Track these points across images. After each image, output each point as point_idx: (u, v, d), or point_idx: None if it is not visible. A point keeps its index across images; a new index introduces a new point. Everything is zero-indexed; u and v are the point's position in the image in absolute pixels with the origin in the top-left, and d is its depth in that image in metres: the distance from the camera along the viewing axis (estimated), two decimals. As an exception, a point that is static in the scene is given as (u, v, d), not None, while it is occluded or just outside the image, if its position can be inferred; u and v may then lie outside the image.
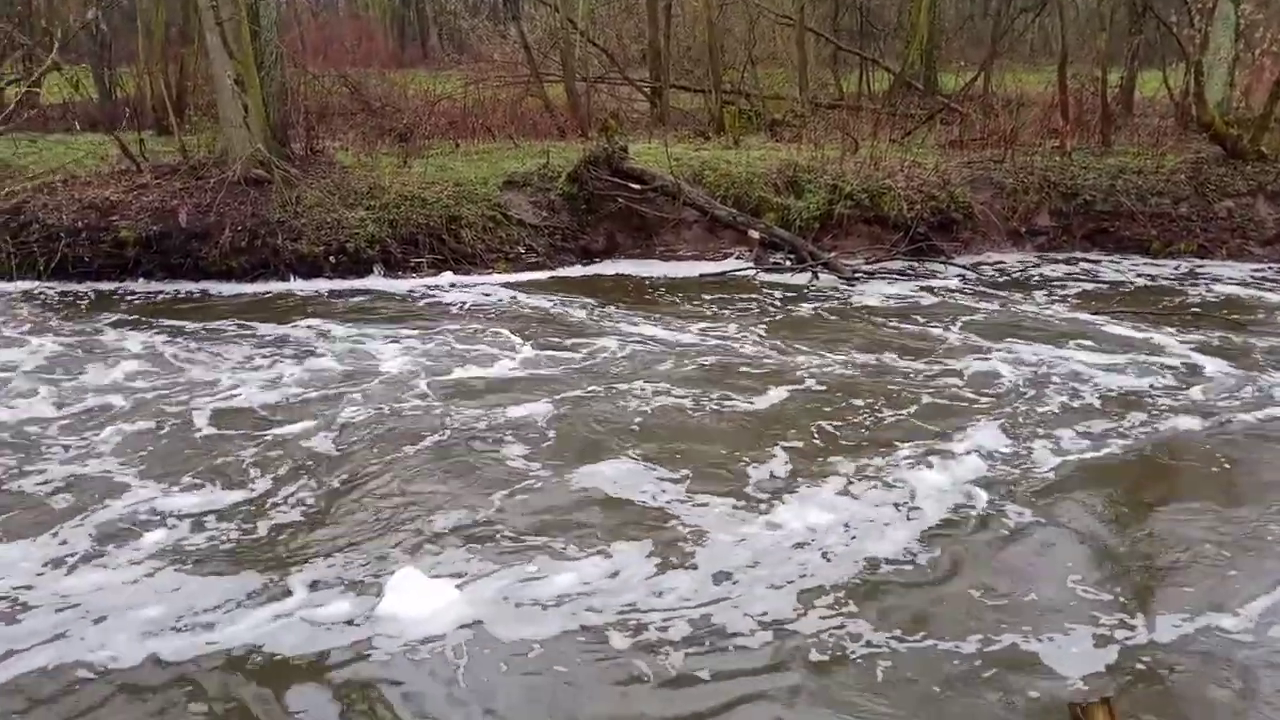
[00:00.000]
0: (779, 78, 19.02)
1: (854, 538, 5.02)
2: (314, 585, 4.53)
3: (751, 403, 7.06)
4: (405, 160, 13.17)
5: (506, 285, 11.02)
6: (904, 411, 6.85)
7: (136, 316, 9.55)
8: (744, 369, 7.87)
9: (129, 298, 10.30)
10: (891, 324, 9.33)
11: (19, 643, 4.04)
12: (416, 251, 11.51)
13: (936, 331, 9.03)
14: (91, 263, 10.73)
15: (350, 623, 4.22)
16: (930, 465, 5.90)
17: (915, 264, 11.72)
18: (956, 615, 4.32)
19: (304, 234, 11.09)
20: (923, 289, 10.76)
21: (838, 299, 10.38)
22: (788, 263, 11.61)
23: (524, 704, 3.72)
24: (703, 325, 9.26)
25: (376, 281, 11.08)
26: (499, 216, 12.00)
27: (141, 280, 10.80)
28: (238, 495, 5.51)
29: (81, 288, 10.54)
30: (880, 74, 19.28)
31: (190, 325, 9.23)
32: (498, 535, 5.03)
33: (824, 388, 7.38)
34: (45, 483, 5.64)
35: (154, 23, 13.43)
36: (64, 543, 4.93)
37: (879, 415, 6.80)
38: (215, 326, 9.20)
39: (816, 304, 10.16)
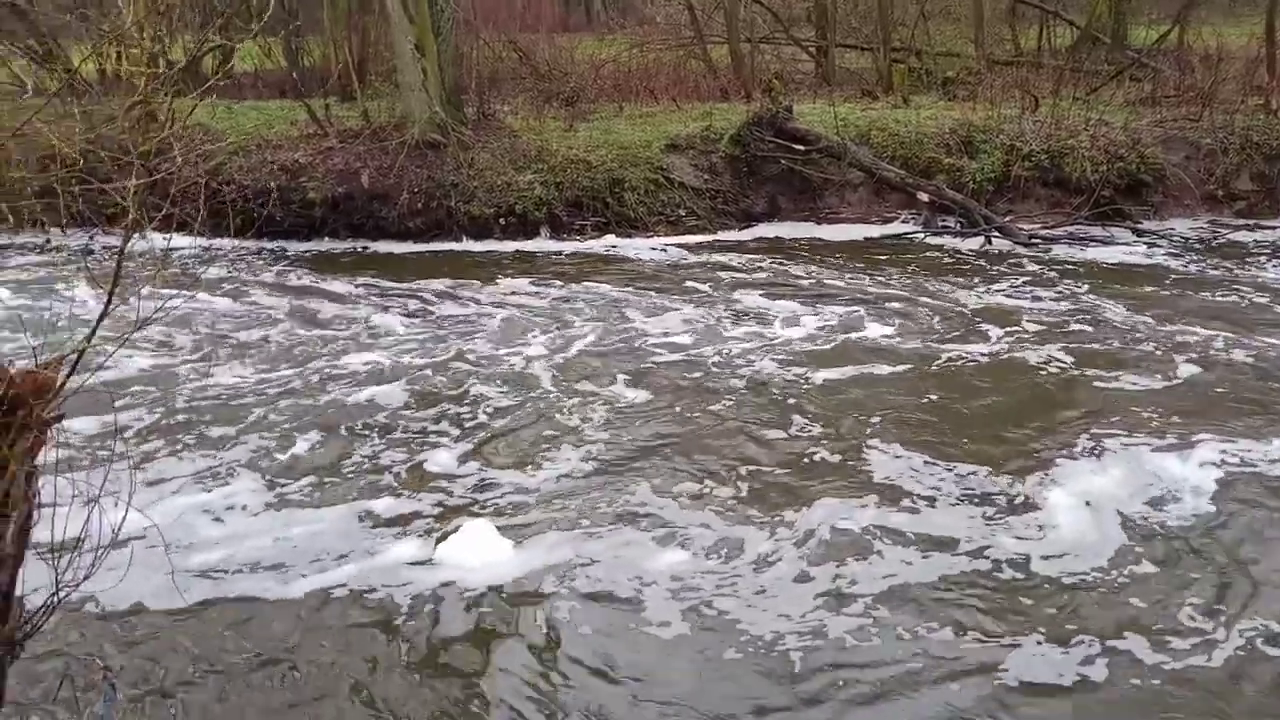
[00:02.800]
0: (951, 34, 18.22)
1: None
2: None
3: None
4: (571, 124, 13.37)
5: (683, 247, 11.10)
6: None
7: (334, 271, 10.13)
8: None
9: (322, 254, 10.94)
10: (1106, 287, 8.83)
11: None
12: (581, 214, 11.72)
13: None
14: (282, 221, 11.41)
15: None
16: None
17: (1100, 228, 11.08)
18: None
19: (476, 196, 11.47)
20: (1126, 253, 10.21)
21: (1023, 262, 9.95)
22: (959, 226, 11.20)
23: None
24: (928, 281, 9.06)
25: (543, 243, 11.35)
26: (661, 180, 12.06)
27: (327, 239, 11.43)
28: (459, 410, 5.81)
29: (273, 245, 11.24)
30: (1063, 29, 18.19)
31: (385, 281, 9.73)
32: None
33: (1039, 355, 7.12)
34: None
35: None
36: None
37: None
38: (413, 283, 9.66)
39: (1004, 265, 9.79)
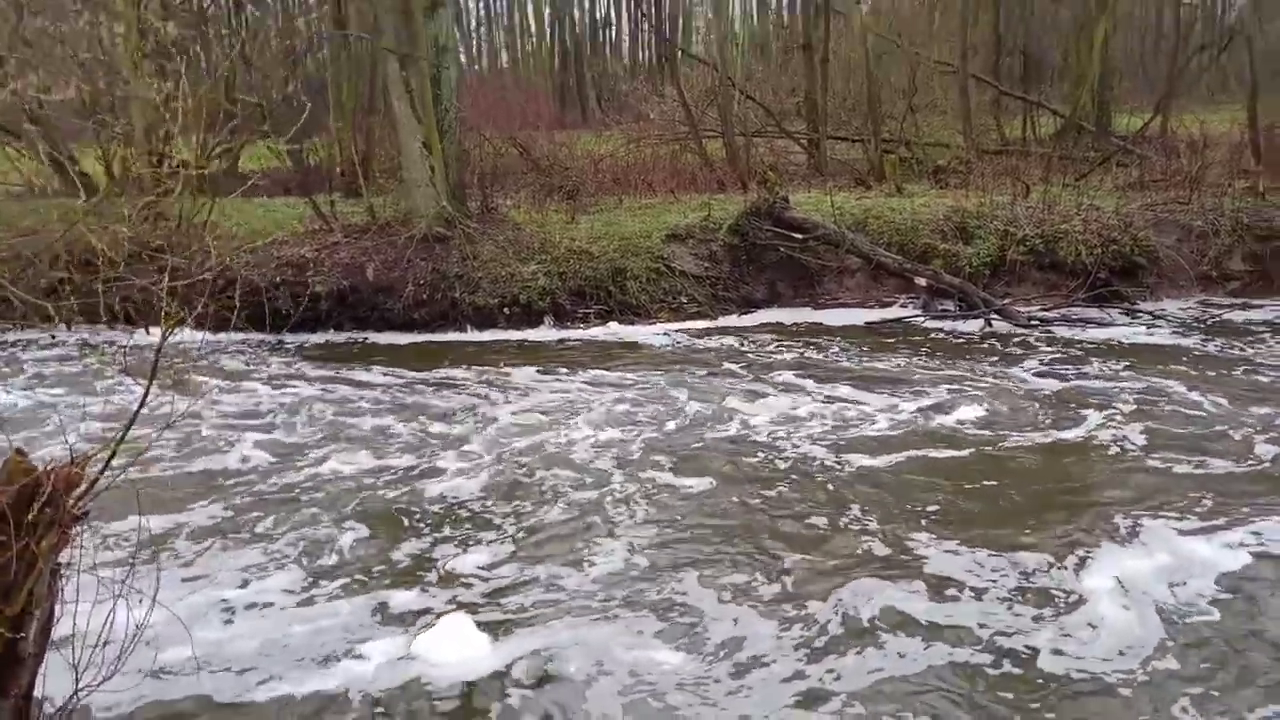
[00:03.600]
0: (939, 124, 18.73)
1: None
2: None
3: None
4: (573, 216, 13.62)
5: (686, 332, 11.22)
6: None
7: (342, 362, 10.19)
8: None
9: (325, 345, 11.00)
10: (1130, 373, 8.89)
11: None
12: (584, 303, 11.85)
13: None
14: (289, 315, 11.51)
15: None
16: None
17: (1097, 309, 11.23)
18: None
19: (480, 287, 11.60)
20: (1130, 333, 10.35)
21: (1014, 346, 10.04)
22: (958, 309, 11.33)
23: None
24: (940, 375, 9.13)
25: (547, 332, 11.45)
26: (662, 268, 12.23)
27: (332, 330, 11.51)
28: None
29: (280, 338, 11.31)
30: (1045, 118, 18.73)
31: (380, 371, 9.77)
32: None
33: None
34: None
35: (345, 95, 14.43)
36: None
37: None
38: (413, 373, 9.70)
39: (996, 350, 9.88)
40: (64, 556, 3.17)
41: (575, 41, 34.90)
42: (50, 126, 15.14)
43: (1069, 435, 7.12)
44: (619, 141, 18.70)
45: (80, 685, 3.21)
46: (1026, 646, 4.33)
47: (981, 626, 4.50)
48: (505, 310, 11.63)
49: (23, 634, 3.04)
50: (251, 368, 10.06)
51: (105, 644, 3.22)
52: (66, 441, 3.00)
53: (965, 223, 12.25)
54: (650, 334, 11.21)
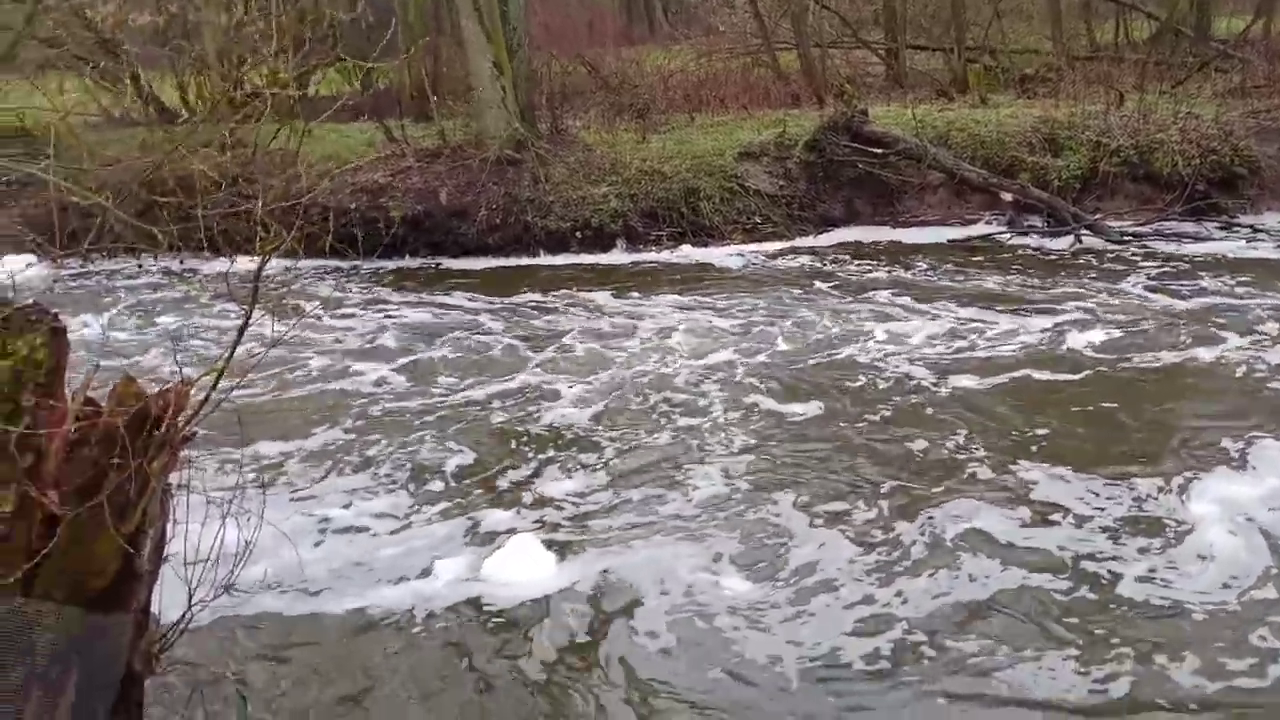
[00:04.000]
0: (1024, 31, 17.89)
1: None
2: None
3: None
4: (644, 135, 13.38)
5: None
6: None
7: (423, 287, 10.24)
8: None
9: (401, 271, 11.07)
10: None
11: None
12: (656, 225, 11.70)
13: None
14: (365, 241, 11.58)
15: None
16: None
17: (1194, 223, 10.74)
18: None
19: (552, 210, 11.53)
20: (1235, 247, 9.88)
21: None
22: (1046, 225, 10.93)
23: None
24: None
25: (620, 256, 11.35)
26: (736, 188, 12.00)
27: (407, 256, 11.57)
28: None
29: (355, 264, 11.41)
30: (1140, 21, 17.74)
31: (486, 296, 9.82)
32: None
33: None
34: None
35: (412, 16, 14.28)
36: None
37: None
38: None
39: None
40: (174, 477, 3.24)
41: (641, -46, 33.94)
42: (127, 54, 15.30)
43: (1181, 356, 6.85)
44: (689, 56, 18.25)
45: (194, 601, 3.30)
46: (1112, 573, 4.22)
47: (1072, 551, 4.40)
48: (577, 234, 11.55)
49: (139, 551, 3.13)
50: (338, 294, 10.18)
51: (215, 562, 3.30)
52: (177, 365, 3.04)
53: (1055, 134, 11.74)
54: (725, 255, 11.05)
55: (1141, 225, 10.78)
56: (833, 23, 18.13)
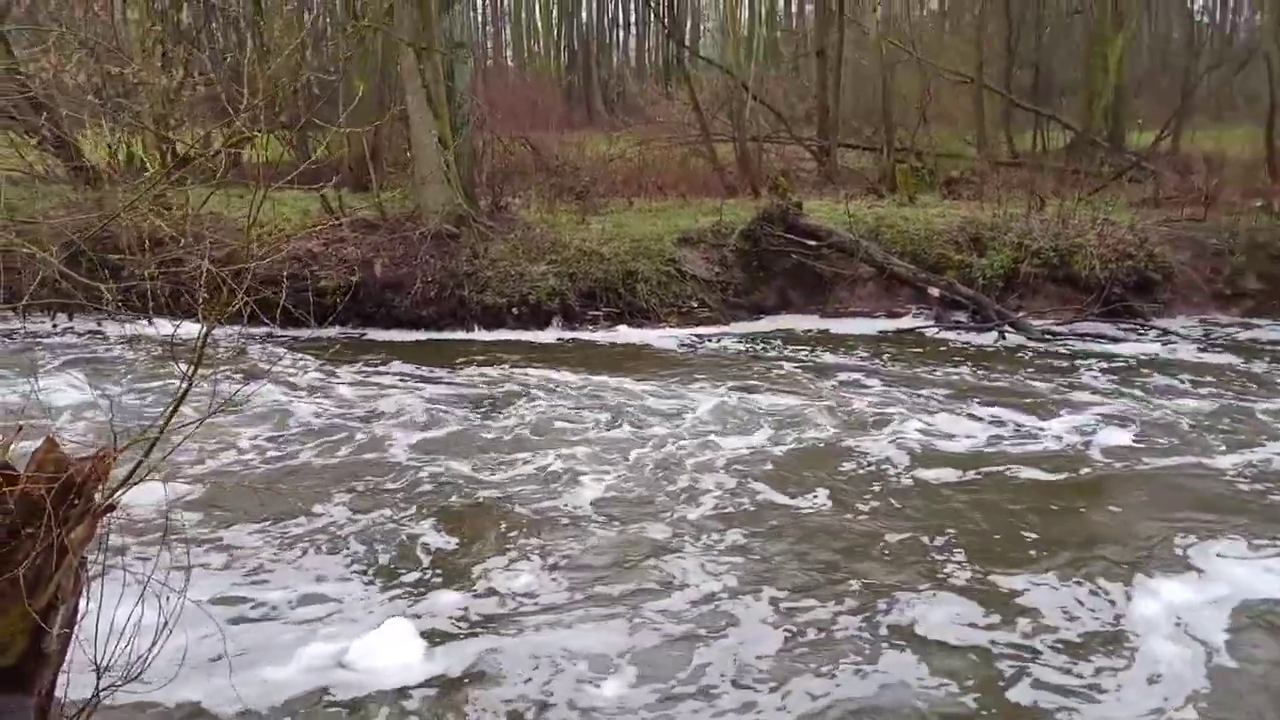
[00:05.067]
0: (949, 135, 18.69)
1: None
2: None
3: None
4: (583, 217, 13.51)
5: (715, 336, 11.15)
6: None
7: (352, 359, 10.02)
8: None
9: (330, 341, 10.85)
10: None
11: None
12: (594, 305, 11.74)
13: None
14: (294, 310, 11.35)
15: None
16: None
17: (1111, 324, 11.16)
18: None
19: (489, 286, 11.49)
20: (1161, 349, 10.24)
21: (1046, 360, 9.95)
22: (971, 321, 11.25)
23: None
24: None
25: (556, 333, 11.34)
26: (673, 272, 12.13)
27: (337, 327, 11.36)
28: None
29: (283, 332, 11.16)
30: (1056, 132, 18.70)
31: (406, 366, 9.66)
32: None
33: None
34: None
35: (355, 88, 14.28)
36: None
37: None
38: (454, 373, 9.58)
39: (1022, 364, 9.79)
40: (89, 550, 3.06)
41: (583, 41, 34.82)
42: (56, 112, 14.99)
43: (1103, 453, 7.01)
44: (628, 143, 18.59)
45: (101, 686, 3.08)
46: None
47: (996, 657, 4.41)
48: (514, 310, 11.51)
49: (48, 629, 2.93)
50: (264, 364, 9.92)
51: (129, 643, 3.09)
52: (111, 430, 2.88)
53: (979, 234, 12.18)
54: (660, 337, 11.11)
55: (1061, 324, 11.17)
56: (768, 118, 18.71)
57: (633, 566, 5.20)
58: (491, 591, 4.94)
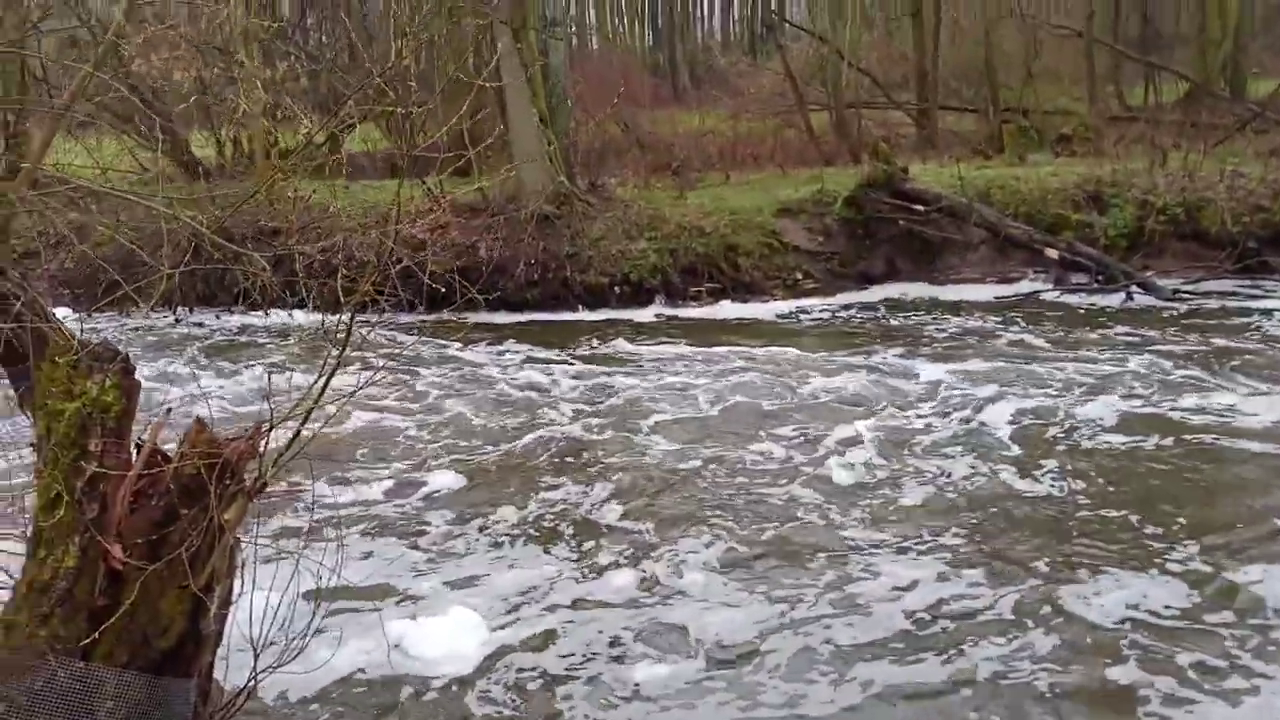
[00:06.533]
0: (1055, 92, 17.89)
1: None
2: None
3: None
4: (680, 192, 13.33)
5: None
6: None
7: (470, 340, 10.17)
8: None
9: (442, 324, 10.93)
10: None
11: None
12: (695, 280, 11.58)
13: None
14: (401, 296, 11.46)
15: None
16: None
17: (1248, 281, 10.52)
18: None
19: (591, 266, 11.43)
20: None
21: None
22: (1094, 283, 10.73)
23: None
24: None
25: (659, 310, 11.22)
26: (775, 244, 11.90)
27: (445, 311, 11.42)
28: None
29: (395, 317, 11.27)
30: (1168, 84, 17.73)
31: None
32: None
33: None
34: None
35: (452, 72, 14.34)
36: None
37: None
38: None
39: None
40: (242, 530, 3.04)
41: (668, 16, 34.46)
42: (165, 111, 15.46)
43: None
44: (719, 117, 18.32)
45: (259, 668, 3.06)
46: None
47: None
48: (615, 289, 11.44)
49: (205, 611, 2.92)
50: (396, 346, 10.02)
51: (285, 624, 3.06)
52: (269, 405, 2.86)
53: (1099, 192, 11.60)
54: (767, 311, 10.89)
55: (1190, 283, 10.57)
56: (863, 84, 18.20)
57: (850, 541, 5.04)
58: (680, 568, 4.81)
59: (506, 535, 5.30)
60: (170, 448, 2.94)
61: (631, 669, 3.95)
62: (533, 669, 3.96)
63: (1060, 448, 6.16)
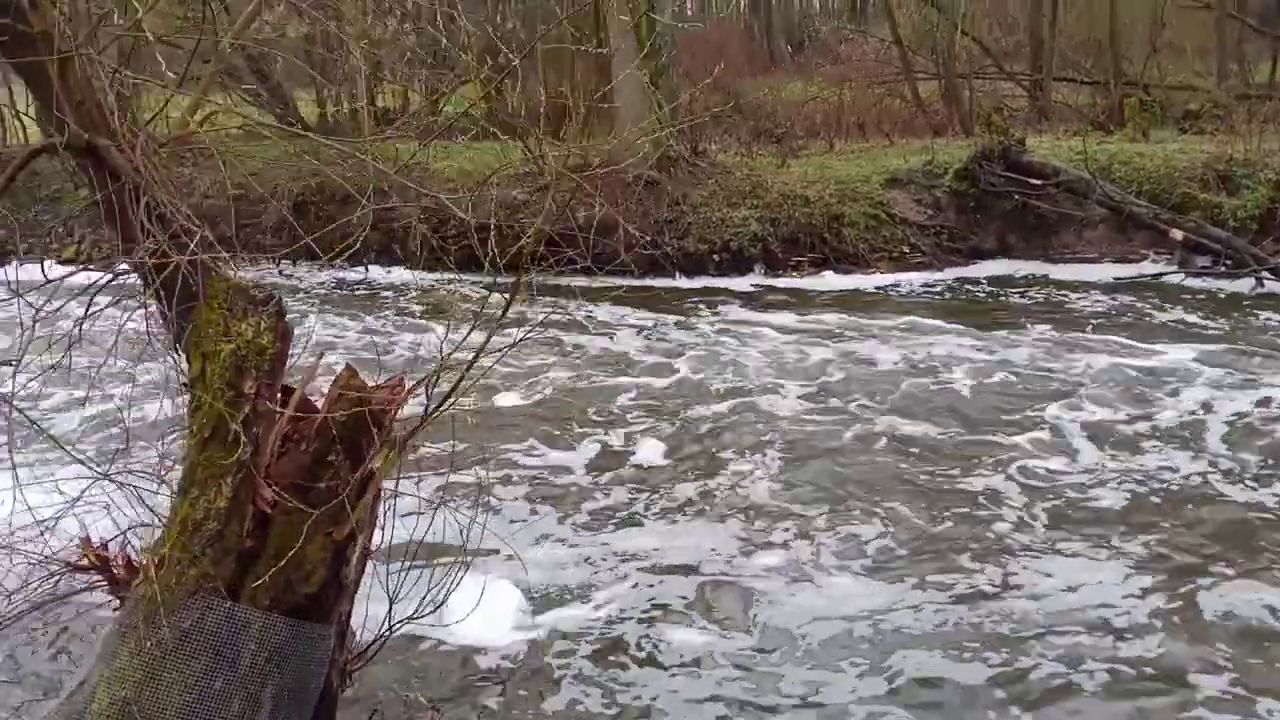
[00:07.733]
0: (1179, 66, 17.01)
1: None
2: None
3: None
4: (783, 160, 13.06)
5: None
6: None
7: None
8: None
9: (546, 287, 10.91)
10: None
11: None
12: (797, 250, 11.35)
13: None
14: (501, 256, 11.47)
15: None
16: None
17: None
18: None
19: (691, 232, 11.29)
20: None
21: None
22: (1222, 267, 10.18)
23: None
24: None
25: (758, 280, 11.03)
26: (882, 215, 11.57)
27: (542, 273, 11.40)
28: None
29: (494, 279, 11.30)
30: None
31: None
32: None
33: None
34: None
35: (552, 34, 14.26)
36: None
37: None
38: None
39: None
40: (387, 481, 3.01)
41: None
42: (272, 71, 15.72)
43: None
44: (822, 85, 17.89)
45: (395, 619, 3.05)
46: None
47: None
48: (715, 257, 11.28)
49: (347, 559, 2.90)
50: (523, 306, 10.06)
51: (421, 574, 3.04)
52: (439, 353, 2.83)
53: (1229, 172, 10.98)
54: (871, 283, 10.63)
55: (1329, 270, 9.96)
56: (973, 52, 17.56)
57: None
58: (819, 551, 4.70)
59: (665, 507, 5.23)
60: (317, 398, 2.93)
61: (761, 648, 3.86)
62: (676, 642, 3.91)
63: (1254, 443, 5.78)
